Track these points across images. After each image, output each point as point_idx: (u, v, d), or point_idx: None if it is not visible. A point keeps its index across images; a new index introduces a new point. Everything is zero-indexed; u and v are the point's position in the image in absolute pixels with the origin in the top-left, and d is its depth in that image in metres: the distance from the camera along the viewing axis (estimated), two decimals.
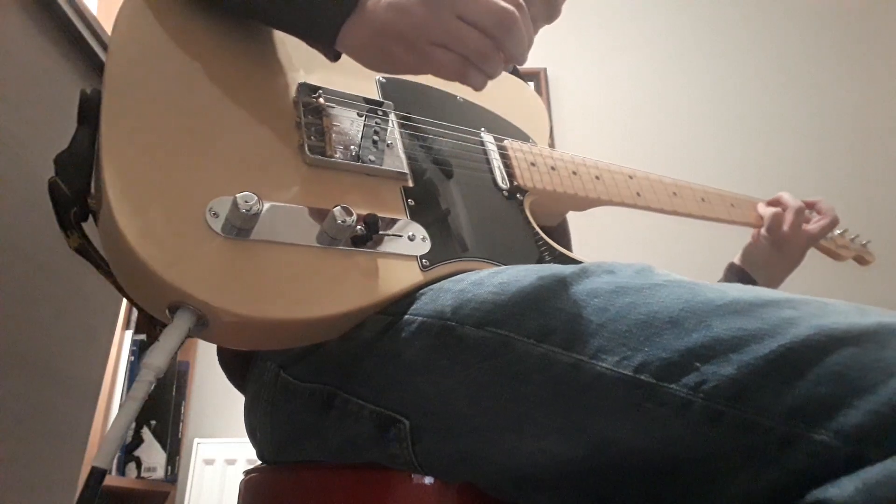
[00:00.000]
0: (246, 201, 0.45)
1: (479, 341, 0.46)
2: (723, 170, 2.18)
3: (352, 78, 0.65)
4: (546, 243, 0.65)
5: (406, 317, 0.51)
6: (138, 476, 1.57)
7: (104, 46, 0.79)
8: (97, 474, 0.38)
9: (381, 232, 0.51)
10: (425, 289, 0.52)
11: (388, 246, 0.52)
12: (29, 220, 0.68)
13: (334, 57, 0.59)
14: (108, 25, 0.79)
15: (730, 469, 0.36)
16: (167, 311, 0.44)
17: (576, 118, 2.25)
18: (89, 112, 0.50)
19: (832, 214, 0.96)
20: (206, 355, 1.91)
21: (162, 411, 1.68)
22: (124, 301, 0.61)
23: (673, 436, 0.38)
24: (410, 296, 0.52)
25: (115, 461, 1.49)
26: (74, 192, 0.50)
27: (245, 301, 0.44)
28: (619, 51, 2.36)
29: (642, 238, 1.81)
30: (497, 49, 0.53)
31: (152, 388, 0.41)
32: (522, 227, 0.65)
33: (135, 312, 1.62)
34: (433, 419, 0.49)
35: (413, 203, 0.58)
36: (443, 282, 0.53)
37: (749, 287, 0.42)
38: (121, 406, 0.41)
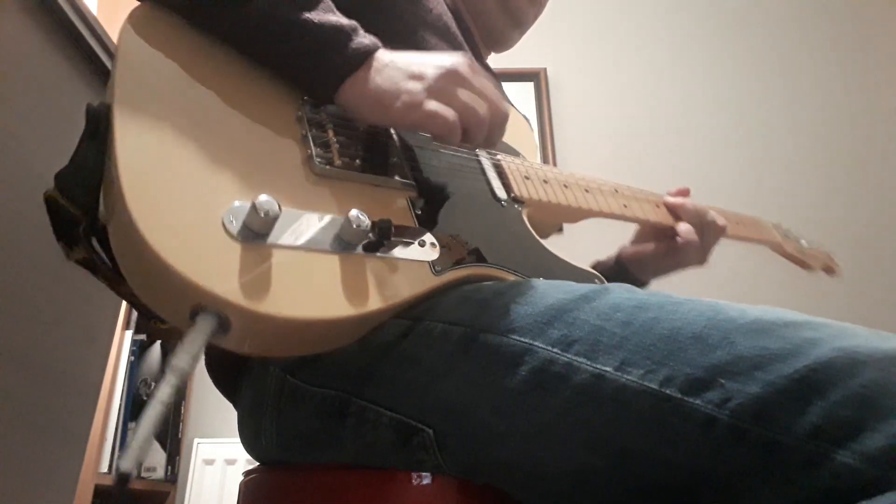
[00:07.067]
0: (264, 205, 0.44)
1: (501, 348, 0.46)
2: (722, 167, 2.18)
3: None
4: (552, 253, 0.65)
5: (426, 322, 0.50)
6: (138, 476, 1.54)
7: (104, 46, 0.78)
8: (123, 479, 0.36)
9: (392, 238, 0.51)
10: (443, 296, 0.52)
11: (400, 252, 0.52)
12: (29, 221, 0.67)
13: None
14: (108, 25, 0.77)
15: (752, 487, 0.36)
16: (188, 316, 0.43)
17: (576, 118, 2.23)
18: (97, 125, 0.49)
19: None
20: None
21: None
22: (124, 301, 0.61)
23: (696, 451, 0.38)
24: (429, 302, 0.51)
25: (116, 461, 1.49)
26: (82, 207, 0.49)
27: (268, 302, 0.43)
28: (620, 50, 2.34)
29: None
30: (485, 127, 0.57)
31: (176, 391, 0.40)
32: (527, 236, 0.65)
33: (135, 312, 1.60)
34: (456, 426, 0.48)
35: (421, 212, 0.58)
36: (462, 290, 0.52)
37: (769, 308, 0.42)
38: (147, 409, 0.39)
